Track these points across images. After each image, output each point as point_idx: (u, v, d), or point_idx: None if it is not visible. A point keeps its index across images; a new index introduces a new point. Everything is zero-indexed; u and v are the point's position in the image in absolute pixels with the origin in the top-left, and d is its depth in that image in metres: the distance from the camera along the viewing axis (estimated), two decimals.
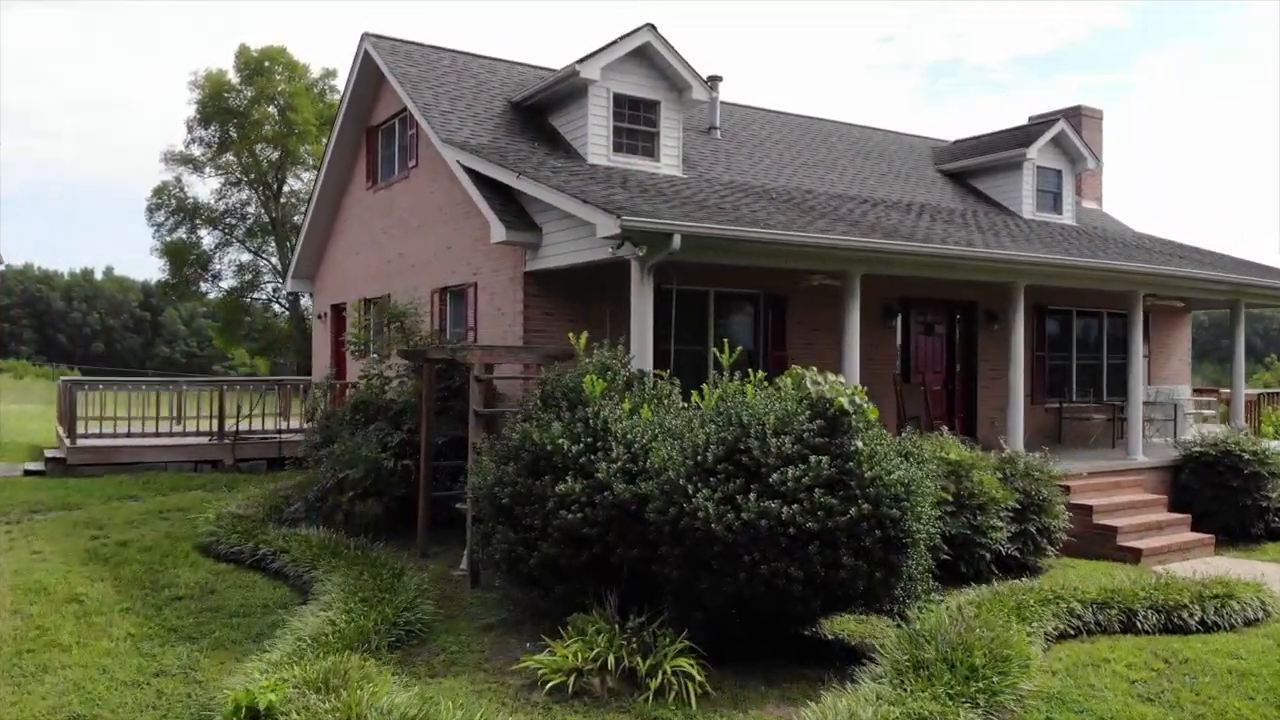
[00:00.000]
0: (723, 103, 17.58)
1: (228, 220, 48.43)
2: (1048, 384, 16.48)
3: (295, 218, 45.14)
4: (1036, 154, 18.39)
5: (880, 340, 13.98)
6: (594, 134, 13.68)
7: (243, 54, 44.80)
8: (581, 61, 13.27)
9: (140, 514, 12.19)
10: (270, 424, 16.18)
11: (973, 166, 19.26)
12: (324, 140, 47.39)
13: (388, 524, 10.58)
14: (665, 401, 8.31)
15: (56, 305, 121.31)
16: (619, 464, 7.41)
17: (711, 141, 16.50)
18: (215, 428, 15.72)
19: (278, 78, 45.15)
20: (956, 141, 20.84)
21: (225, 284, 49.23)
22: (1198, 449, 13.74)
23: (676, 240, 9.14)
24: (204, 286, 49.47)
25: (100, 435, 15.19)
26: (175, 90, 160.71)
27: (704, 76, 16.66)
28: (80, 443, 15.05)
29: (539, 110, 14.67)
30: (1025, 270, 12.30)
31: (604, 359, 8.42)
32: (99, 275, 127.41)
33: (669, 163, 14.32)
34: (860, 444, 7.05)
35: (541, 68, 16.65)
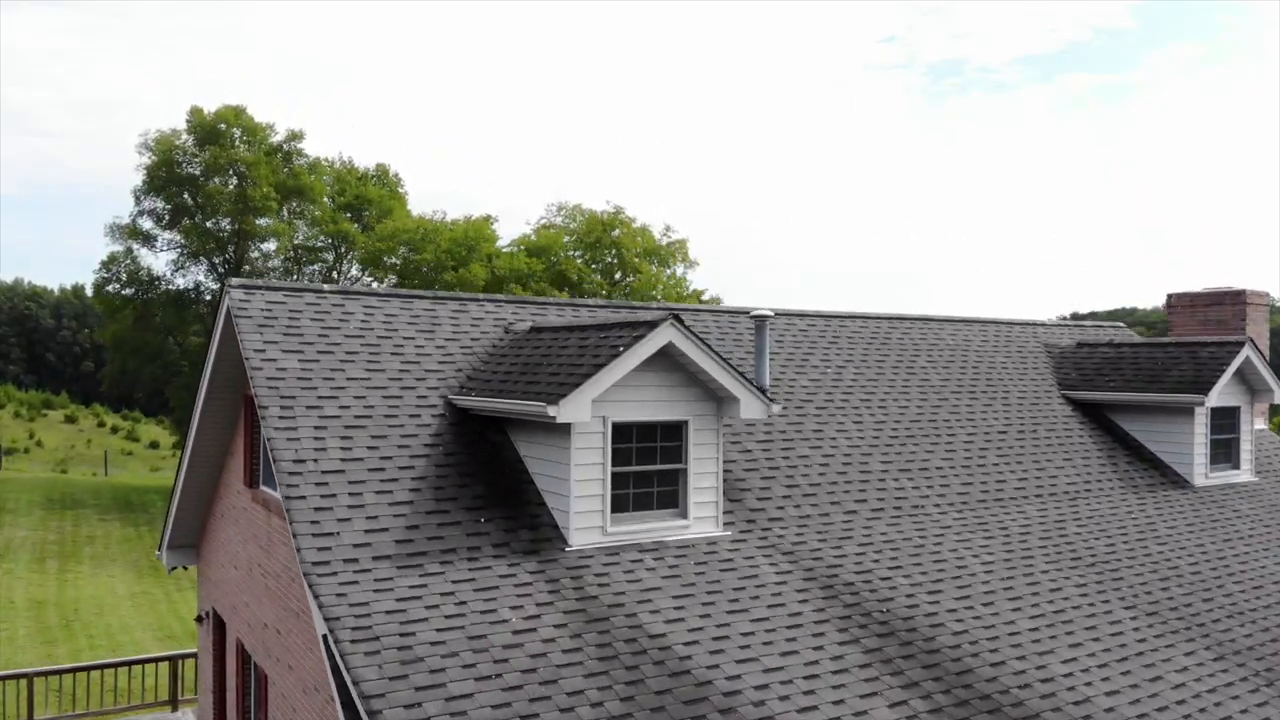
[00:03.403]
0: (775, 312, 12.14)
1: (186, 296, 42.94)
2: None
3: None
4: (1216, 397, 12.94)
5: None
6: (580, 493, 8.26)
7: (195, 115, 39.10)
8: (556, 400, 7.82)
9: None
10: None
11: (1116, 403, 13.77)
12: (283, 213, 41.90)
13: None
14: None
15: (46, 323, 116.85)
16: None
17: (763, 425, 11.01)
18: None
19: (236, 144, 39.50)
20: (1081, 345, 15.32)
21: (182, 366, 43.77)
22: None
23: None
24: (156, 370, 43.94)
25: None
26: (174, 91, 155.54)
27: (753, 313, 11.32)
28: None
29: (497, 422, 9.25)
30: None
31: None
32: (89, 291, 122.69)
33: (702, 514, 8.91)
34: None
35: (511, 300, 11.24)
